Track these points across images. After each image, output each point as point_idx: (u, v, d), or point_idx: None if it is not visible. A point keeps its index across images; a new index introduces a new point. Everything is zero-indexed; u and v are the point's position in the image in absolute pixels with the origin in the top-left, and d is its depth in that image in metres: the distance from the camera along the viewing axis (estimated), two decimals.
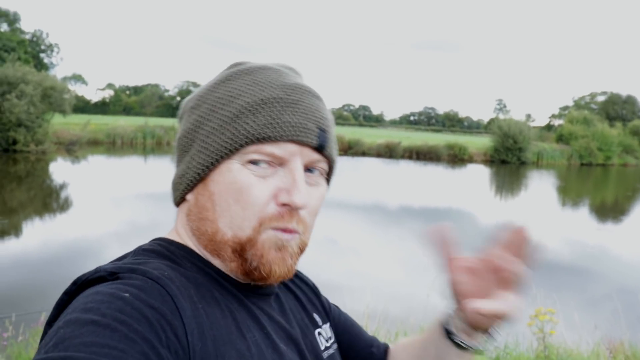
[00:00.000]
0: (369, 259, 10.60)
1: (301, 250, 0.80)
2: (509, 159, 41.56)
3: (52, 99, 29.47)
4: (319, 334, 0.91)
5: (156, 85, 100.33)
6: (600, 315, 5.97)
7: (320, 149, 0.77)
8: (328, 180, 0.86)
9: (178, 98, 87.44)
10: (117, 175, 22.64)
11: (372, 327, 4.73)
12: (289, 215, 0.75)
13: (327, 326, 0.96)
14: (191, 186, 0.79)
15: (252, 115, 0.74)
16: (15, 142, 28.15)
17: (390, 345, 1.09)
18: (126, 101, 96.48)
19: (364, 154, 41.77)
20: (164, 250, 0.77)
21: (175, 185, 0.83)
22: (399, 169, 34.15)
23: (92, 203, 15.29)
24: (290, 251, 0.77)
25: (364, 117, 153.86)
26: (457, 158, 41.69)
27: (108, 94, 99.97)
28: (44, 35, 45.41)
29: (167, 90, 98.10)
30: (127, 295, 0.60)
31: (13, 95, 27.56)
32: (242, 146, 0.74)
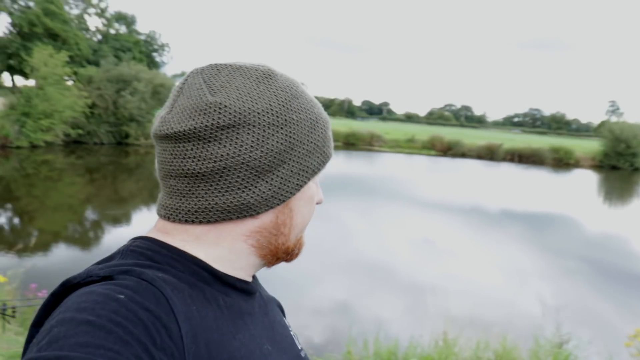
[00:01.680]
0: (464, 262, 10.36)
1: None
2: (620, 164, 39.11)
3: (162, 95, 31.23)
4: (294, 335, 0.92)
5: None
6: None
7: None
8: None
9: None
10: None
11: (453, 332, 4.60)
12: None
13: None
14: (276, 205, 0.76)
15: (329, 139, 0.82)
16: (127, 135, 30.28)
17: None
18: None
19: (463, 155, 40.89)
20: (153, 252, 0.73)
21: (252, 205, 0.74)
22: (499, 172, 33.06)
23: None
24: None
25: (466, 118, 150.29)
26: (562, 162, 39.71)
27: None
28: (157, 36, 47.94)
29: None
30: (122, 297, 0.59)
31: (127, 92, 29.59)
32: (324, 166, 0.81)
